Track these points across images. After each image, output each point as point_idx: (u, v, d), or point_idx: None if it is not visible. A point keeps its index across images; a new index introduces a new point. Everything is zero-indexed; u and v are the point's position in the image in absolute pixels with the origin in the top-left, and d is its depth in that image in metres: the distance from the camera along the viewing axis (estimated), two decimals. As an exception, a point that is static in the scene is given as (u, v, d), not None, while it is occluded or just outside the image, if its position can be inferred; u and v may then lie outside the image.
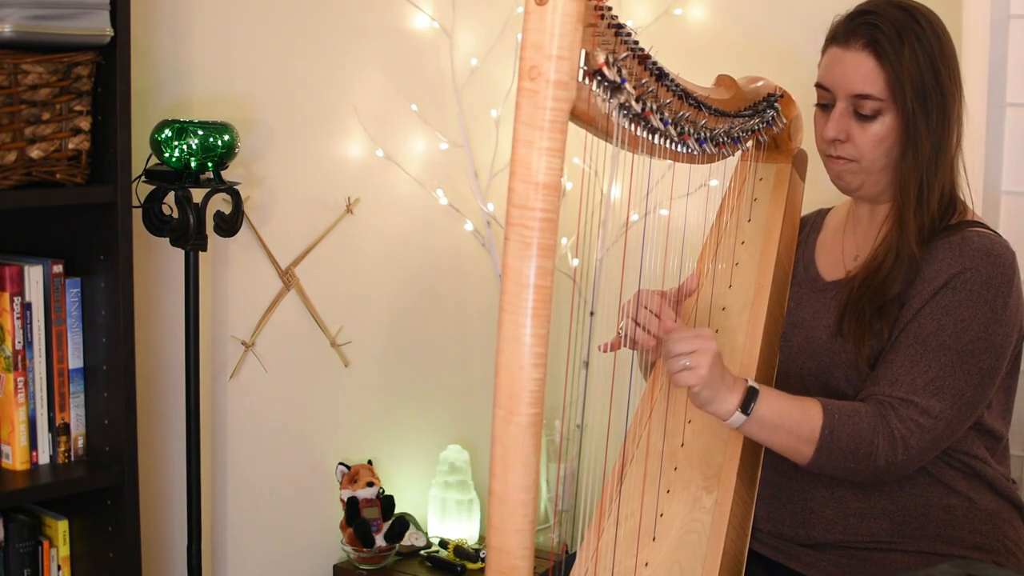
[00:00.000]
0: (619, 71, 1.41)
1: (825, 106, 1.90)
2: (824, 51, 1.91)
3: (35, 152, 1.99)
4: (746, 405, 1.72)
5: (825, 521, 1.87)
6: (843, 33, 1.86)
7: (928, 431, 1.75)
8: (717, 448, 1.81)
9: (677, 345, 1.70)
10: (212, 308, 2.48)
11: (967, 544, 1.84)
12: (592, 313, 2.88)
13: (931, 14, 1.86)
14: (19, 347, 2.07)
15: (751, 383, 1.73)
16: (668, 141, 1.64)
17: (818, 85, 1.91)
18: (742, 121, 1.89)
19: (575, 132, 1.38)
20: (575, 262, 2.89)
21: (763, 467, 1.86)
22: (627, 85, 1.43)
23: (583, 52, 1.31)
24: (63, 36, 1.96)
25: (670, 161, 1.71)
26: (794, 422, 1.74)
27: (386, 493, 2.71)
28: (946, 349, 1.77)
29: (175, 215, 2.25)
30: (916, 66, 1.81)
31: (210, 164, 2.22)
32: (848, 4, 1.91)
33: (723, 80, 1.92)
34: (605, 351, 1.86)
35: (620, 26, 1.39)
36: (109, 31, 2.01)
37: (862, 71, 1.83)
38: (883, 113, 1.84)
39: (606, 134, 1.48)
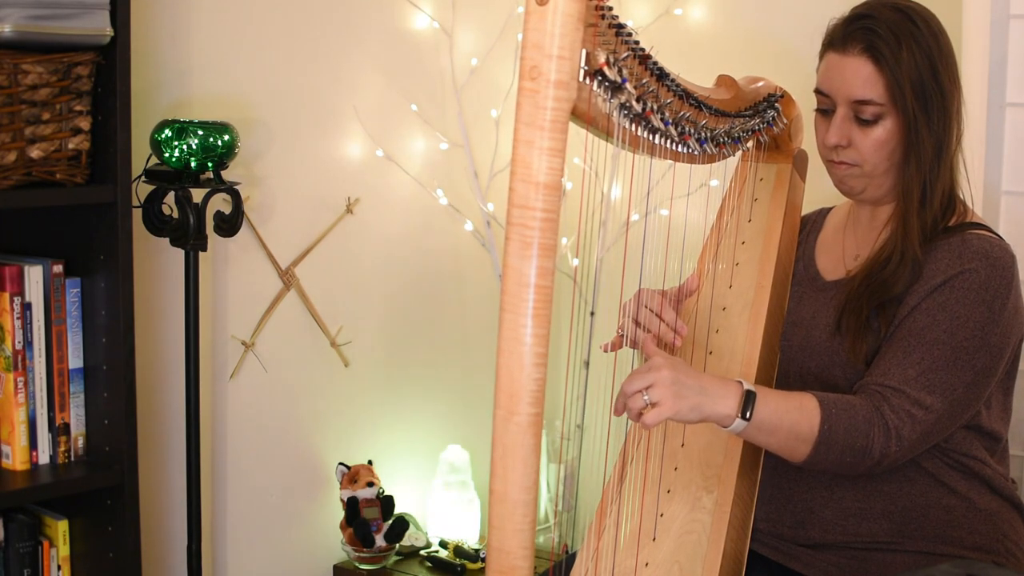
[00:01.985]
0: (620, 71, 1.41)
1: (825, 111, 1.90)
2: (821, 56, 1.90)
3: (35, 152, 1.99)
4: (745, 409, 1.68)
5: (825, 521, 1.87)
6: (840, 38, 1.85)
7: (919, 422, 1.74)
8: (717, 448, 1.81)
9: (630, 384, 1.64)
10: (212, 308, 2.48)
11: (967, 544, 1.84)
12: (592, 313, 2.88)
13: (927, 13, 1.85)
14: (19, 347, 2.07)
15: (746, 385, 1.70)
16: (669, 141, 1.64)
17: (817, 91, 1.90)
18: (742, 121, 1.89)
19: (576, 132, 1.38)
20: (575, 262, 2.89)
21: (763, 467, 1.86)
22: (628, 85, 1.43)
23: (584, 52, 1.31)
24: (63, 36, 1.96)
25: (670, 161, 1.71)
26: (792, 421, 1.72)
27: (386, 493, 2.71)
28: (940, 344, 1.76)
29: (175, 215, 2.25)
30: (915, 68, 1.81)
31: (210, 164, 2.22)
32: (848, 4, 1.90)
33: (723, 80, 1.92)
34: (607, 351, 1.86)
35: (621, 26, 1.39)
36: (109, 31, 2.01)
37: (861, 76, 1.83)
38: (884, 117, 1.84)
39: (607, 134, 1.48)
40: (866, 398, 1.75)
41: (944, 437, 1.81)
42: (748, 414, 1.67)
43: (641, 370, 1.65)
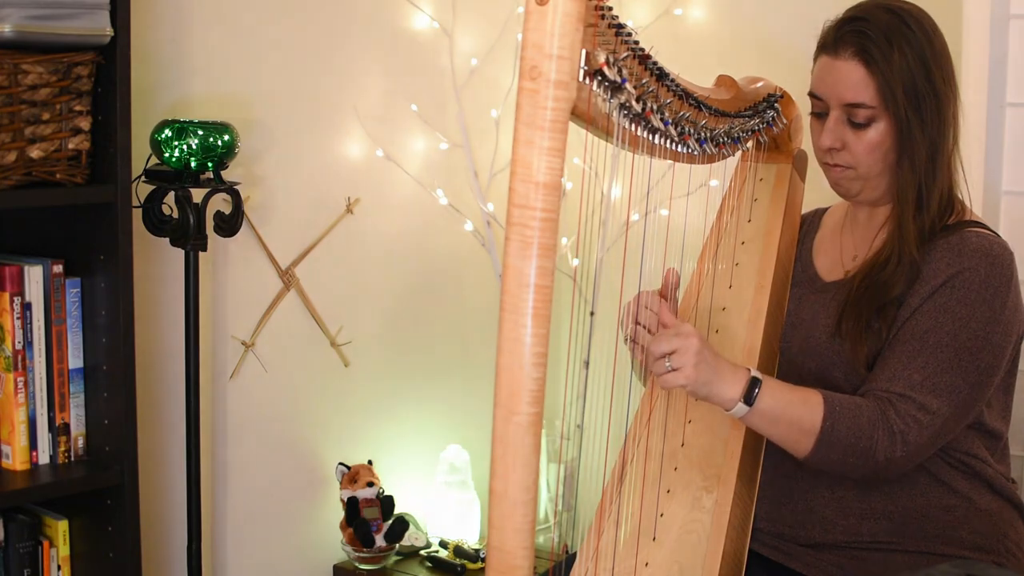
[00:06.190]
0: (619, 71, 1.41)
1: (820, 114, 1.90)
2: (815, 59, 1.90)
3: (35, 152, 1.99)
4: (749, 395, 1.70)
5: (825, 521, 1.87)
6: (832, 41, 1.85)
7: (926, 427, 1.75)
8: (717, 448, 1.81)
9: (657, 346, 1.69)
10: (212, 308, 2.48)
11: (967, 544, 1.84)
12: (592, 313, 2.88)
13: (921, 15, 1.85)
14: (19, 347, 2.07)
15: (754, 372, 1.72)
16: (668, 141, 1.64)
17: (811, 94, 1.90)
18: (742, 121, 1.89)
19: (576, 132, 1.38)
20: (575, 262, 2.89)
21: (763, 467, 1.86)
22: (627, 85, 1.43)
23: (583, 52, 1.31)
24: (63, 36, 1.96)
25: (670, 161, 1.72)
26: (796, 413, 1.73)
27: (386, 493, 2.71)
28: (943, 346, 1.77)
29: (175, 215, 2.26)
30: (907, 70, 1.81)
31: (210, 164, 2.22)
32: (847, 4, 1.90)
33: (723, 80, 1.92)
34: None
35: (620, 26, 1.40)
36: (109, 31, 2.01)
37: (852, 80, 1.83)
38: (876, 120, 1.83)
39: (606, 134, 1.48)
40: (872, 401, 1.76)
41: (951, 438, 1.82)
42: (751, 400, 1.70)
43: (668, 333, 1.69)
